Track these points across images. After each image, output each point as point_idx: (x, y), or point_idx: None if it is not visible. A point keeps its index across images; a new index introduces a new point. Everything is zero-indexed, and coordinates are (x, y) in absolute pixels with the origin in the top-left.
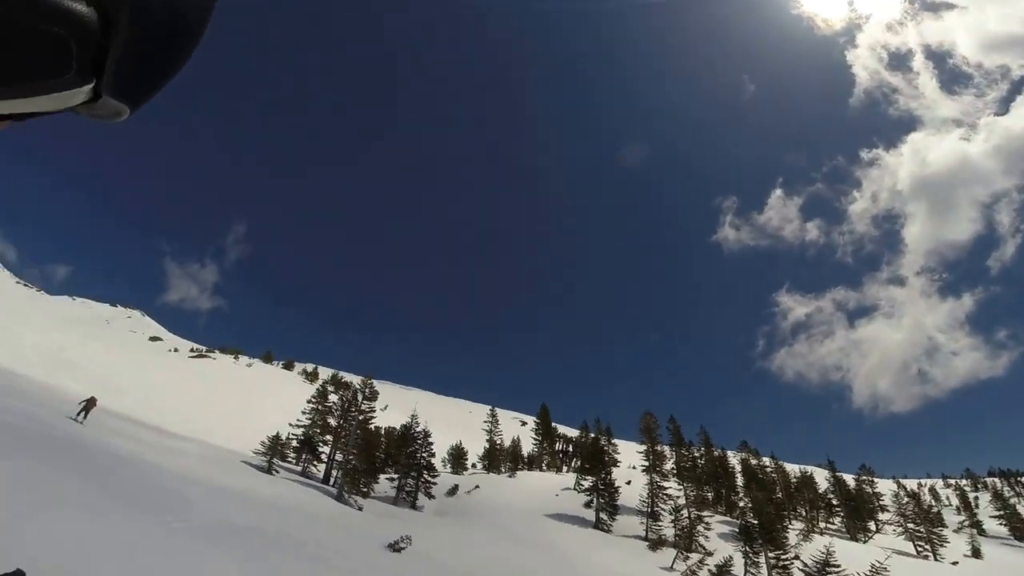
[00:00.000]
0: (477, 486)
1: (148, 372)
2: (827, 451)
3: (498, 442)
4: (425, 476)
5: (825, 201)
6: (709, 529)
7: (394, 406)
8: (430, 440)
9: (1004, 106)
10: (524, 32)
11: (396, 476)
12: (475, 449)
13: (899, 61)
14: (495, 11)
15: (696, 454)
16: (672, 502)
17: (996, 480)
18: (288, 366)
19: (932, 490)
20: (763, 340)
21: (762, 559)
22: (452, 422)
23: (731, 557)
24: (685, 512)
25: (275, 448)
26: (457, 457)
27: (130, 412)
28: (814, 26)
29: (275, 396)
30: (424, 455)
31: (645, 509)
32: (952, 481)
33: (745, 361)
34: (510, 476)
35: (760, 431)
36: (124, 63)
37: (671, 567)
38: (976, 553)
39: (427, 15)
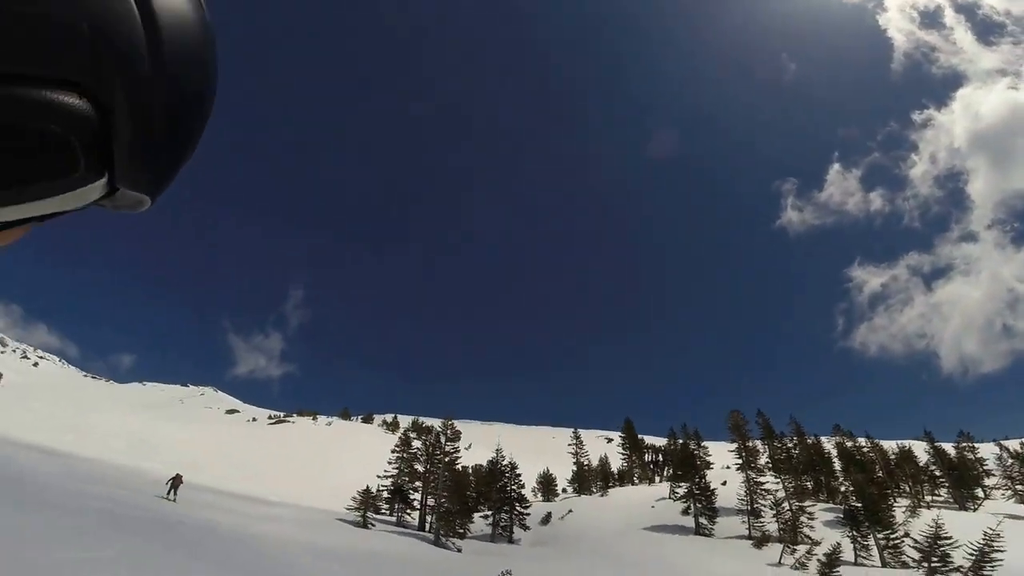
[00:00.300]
0: (570, 510)
1: (230, 443)
2: (923, 422)
3: (585, 463)
4: (517, 508)
5: (884, 169)
6: (813, 519)
7: (478, 443)
8: (517, 472)
9: None
10: (560, 27)
11: (489, 512)
12: (563, 473)
13: (931, 19)
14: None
15: (789, 445)
16: (771, 496)
17: None
18: (367, 419)
19: None
20: (842, 318)
21: (871, 541)
22: (538, 450)
23: (839, 544)
24: (786, 505)
25: (367, 501)
26: (546, 484)
27: (218, 484)
28: None
29: (358, 450)
30: (513, 487)
31: (744, 507)
32: None
33: (827, 343)
34: (602, 495)
35: (852, 412)
36: (133, 152)
37: (779, 562)
38: None
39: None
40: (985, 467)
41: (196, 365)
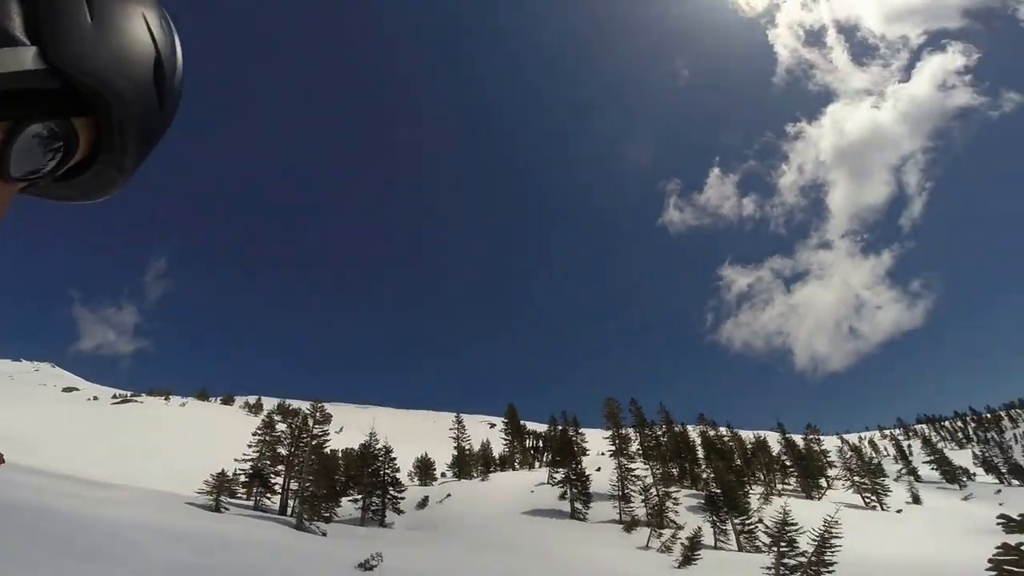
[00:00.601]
0: (449, 494)
1: (65, 423)
2: (777, 414)
3: (467, 447)
4: (391, 492)
5: (758, 176)
6: (678, 504)
7: (352, 427)
8: (392, 455)
9: (907, 73)
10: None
11: (360, 497)
12: (444, 458)
13: (814, 37)
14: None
15: (659, 432)
16: (640, 482)
17: (924, 427)
18: (227, 401)
19: (871, 442)
20: (711, 314)
21: (729, 526)
22: (418, 435)
23: (700, 528)
24: (653, 491)
25: (221, 485)
26: (424, 468)
27: (47, 467)
28: (739, 9)
29: (216, 433)
30: (388, 471)
31: (616, 493)
32: (887, 432)
33: (696, 336)
34: (482, 480)
35: (716, 402)
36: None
37: (647, 545)
38: (916, 499)
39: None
40: (828, 459)
41: (33, 337)
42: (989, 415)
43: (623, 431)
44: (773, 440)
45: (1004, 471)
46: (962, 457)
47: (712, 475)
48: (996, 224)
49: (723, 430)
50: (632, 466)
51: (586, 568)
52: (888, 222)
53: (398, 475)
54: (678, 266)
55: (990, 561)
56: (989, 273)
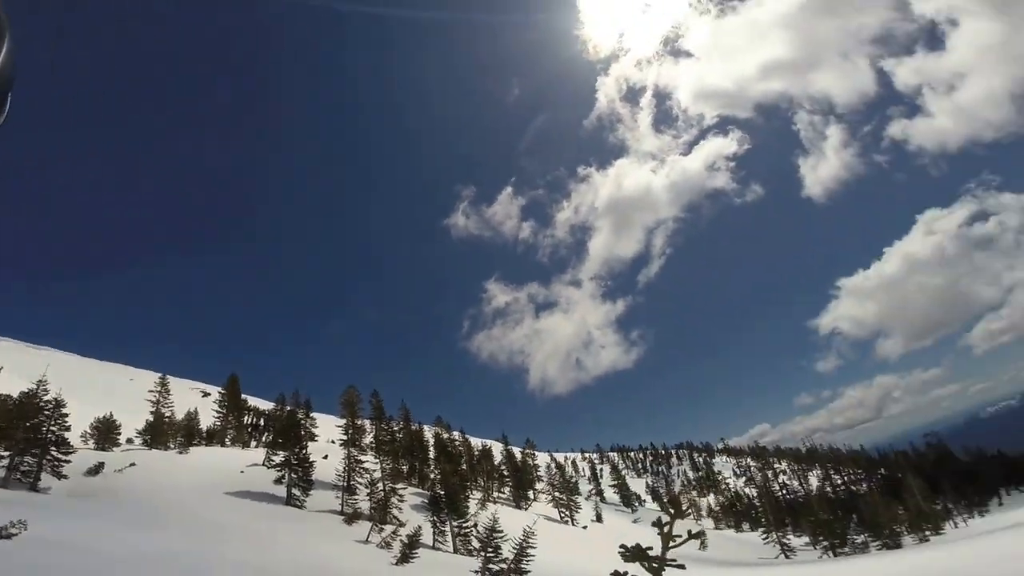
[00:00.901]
0: (133, 463)
1: None
2: (505, 426)
3: (167, 414)
4: (52, 452)
5: (541, 206)
6: (403, 501)
7: (16, 370)
8: (64, 411)
9: (689, 148)
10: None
11: (7, 454)
12: (136, 424)
13: (633, 95)
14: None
15: (395, 428)
16: (368, 475)
17: (615, 454)
18: None
19: (574, 463)
20: (468, 322)
21: (448, 527)
22: (106, 391)
23: (420, 527)
24: (380, 485)
25: None
26: (106, 431)
27: None
28: (586, 50)
29: None
30: (53, 428)
31: (342, 483)
32: (587, 455)
33: (451, 341)
34: (180, 452)
35: (456, 406)
36: None
37: (366, 540)
38: (599, 518)
39: None
40: (539, 473)
41: None
42: (663, 451)
43: (359, 421)
44: (497, 450)
45: (665, 500)
46: (638, 485)
47: (439, 476)
48: (704, 297)
49: (456, 434)
50: (363, 458)
51: (291, 555)
52: (629, 274)
53: (67, 435)
54: (449, 269)
55: None
56: (688, 337)
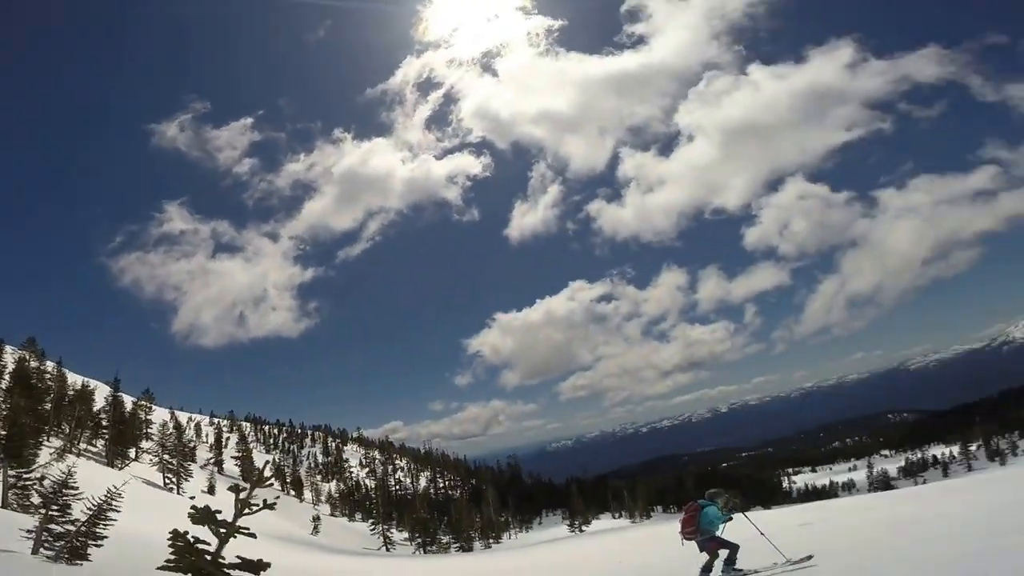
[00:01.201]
0: None
1: None
2: (125, 368)
3: None
4: None
5: (275, 150)
6: None
7: None
8: None
9: (443, 155)
10: None
11: None
12: None
13: (427, 87)
14: None
15: None
16: None
17: (248, 425)
18: None
19: (198, 425)
20: (122, 238)
21: (1, 476)
22: None
23: None
24: None
25: None
26: None
27: None
28: (415, 26)
29: None
30: None
31: None
32: (216, 419)
33: (90, 253)
34: None
35: (66, 332)
36: None
37: None
38: (212, 490)
39: None
40: (150, 430)
41: None
42: (300, 430)
43: None
44: (102, 394)
45: (289, 481)
46: (264, 461)
47: (8, 411)
48: (389, 291)
49: (51, 364)
50: None
51: None
52: (331, 247)
53: None
54: (131, 177)
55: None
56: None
